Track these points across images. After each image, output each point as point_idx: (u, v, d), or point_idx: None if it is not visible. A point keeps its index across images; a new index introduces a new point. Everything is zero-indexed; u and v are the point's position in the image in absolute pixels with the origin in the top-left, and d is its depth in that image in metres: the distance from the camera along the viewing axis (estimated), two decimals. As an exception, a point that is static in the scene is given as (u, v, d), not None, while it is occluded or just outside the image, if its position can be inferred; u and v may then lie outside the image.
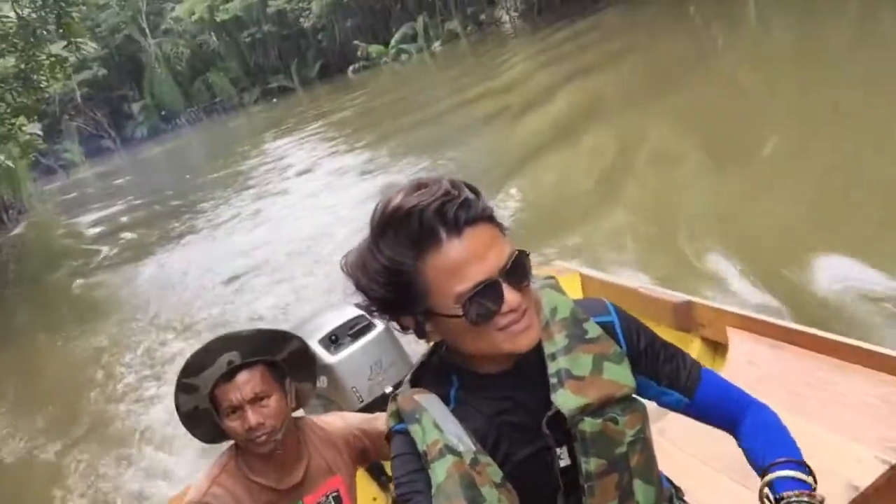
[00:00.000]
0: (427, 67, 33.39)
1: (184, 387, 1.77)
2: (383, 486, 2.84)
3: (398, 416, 1.17)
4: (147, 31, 51.19)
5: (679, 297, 2.68)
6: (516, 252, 1.08)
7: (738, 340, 2.33)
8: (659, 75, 11.56)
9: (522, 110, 12.83)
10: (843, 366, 2.01)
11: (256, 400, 1.75)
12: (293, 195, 13.02)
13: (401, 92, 26.19)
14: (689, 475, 1.42)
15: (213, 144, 33.73)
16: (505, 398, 1.17)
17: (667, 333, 2.54)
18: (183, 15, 49.52)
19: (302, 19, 45.24)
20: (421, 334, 1.13)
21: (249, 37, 49.19)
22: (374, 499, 2.86)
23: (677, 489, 1.36)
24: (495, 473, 1.10)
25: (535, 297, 1.17)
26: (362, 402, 2.72)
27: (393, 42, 40.52)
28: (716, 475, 1.29)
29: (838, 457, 1.72)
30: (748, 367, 2.19)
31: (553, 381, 1.15)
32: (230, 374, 1.75)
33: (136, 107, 50.00)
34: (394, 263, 1.04)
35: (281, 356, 1.84)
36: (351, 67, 43.37)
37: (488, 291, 1.04)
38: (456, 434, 1.11)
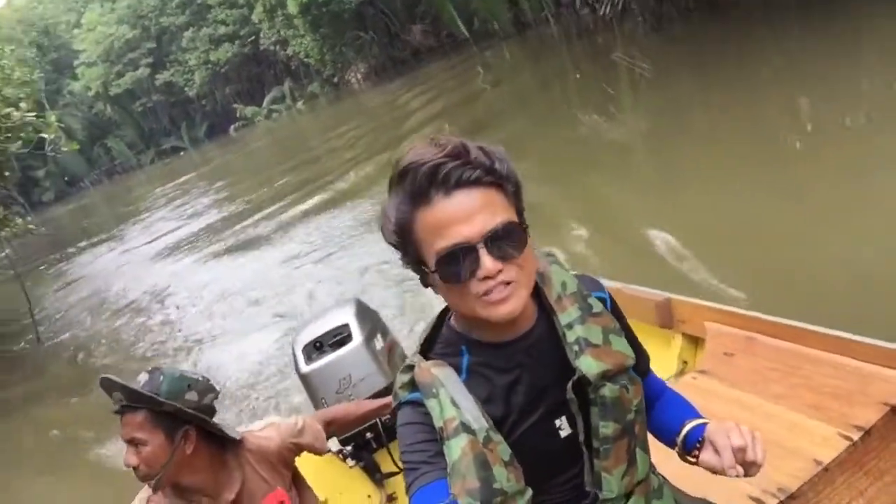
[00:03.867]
0: (294, 120, 40.63)
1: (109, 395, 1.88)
2: (378, 483, 2.91)
3: (412, 385, 1.19)
4: (46, 105, 56.53)
5: (659, 294, 2.69)
6: (508, 221, 1.08)
7: (714, 333, 2.38)
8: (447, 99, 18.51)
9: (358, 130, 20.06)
10: (809, 352, 2.05)
11: (132, 443, 1.82)
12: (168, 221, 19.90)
13: (267, 140, 33.65)
14: (659, 449, 1.38)
15: (109, 198, 39.97)
16: (514, 367, 1.20)
17: (650, 331, 2.67)
18: (80, 90, 55.25)
19: (187, 88, 51.90)
20: (425, 285, 1.18)
21: (141, 106, 55.33)
22: (369, 496, 2.94)
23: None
24: (504, 451, 1.13)
25: (544, 271, 1.24)
26: None
27: (265, 103, 47.77)
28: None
29: (803, 435, 1.79)
30: (723, 357, 2.27)
31: (574, 348, 1.19)
32: (121, 410, 1.84)
33: (41, 174, 54.99)
34: (398, 214, 1.10)
35: (165, 409, 1.84)
36: (232, 126, 50.29)
37: (464, 254, 1.06)
38: (471, 411, 1.13)
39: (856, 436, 1.72)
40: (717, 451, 1.19)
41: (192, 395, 1.90)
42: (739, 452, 1.16)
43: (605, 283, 2.98)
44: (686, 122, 8.37)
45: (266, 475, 2.01)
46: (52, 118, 11.41)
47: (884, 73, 6.97)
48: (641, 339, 1.34)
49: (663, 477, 1.39)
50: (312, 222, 11.18)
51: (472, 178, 1.06)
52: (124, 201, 31.47)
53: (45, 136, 11.66)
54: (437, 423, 1.12)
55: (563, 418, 1.22)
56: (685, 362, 2.61)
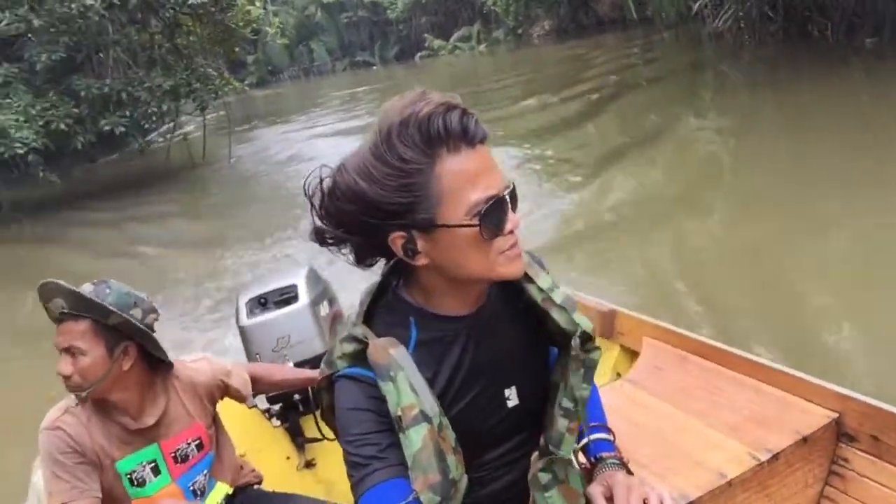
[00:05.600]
0: (474, 59, 44.07)
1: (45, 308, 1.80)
2: (299, 446, 2.92)
3: (356, 359, 1.14)
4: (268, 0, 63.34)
5: (605, 305, 2.76)
6: (512, 180, 1.10)
7: (650, 348, 2.46)
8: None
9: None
10: (735, 375, 2.15)
11: (70, 351, 1.78)
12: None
13: (446, 71, 37.51)
14: None
15: (299, 91, 45.61)
16: (464, 341, 1.19)
17: None
18: (298, -9, 61.53)
19: (389, 11, 56.77)
20: (410, 254, 1.09)
21: (347, 18, 60.86)
22: (288, 458, 2.93)
23: None
24: (451, 436, 1.11)
25: None
26: None
27: (452, 39, 51.56)
28: None
29: (714, 449, 1.88)
30: (653, 370, 2.35)
31: (566, 307, 1.21)
32: (60, 318, 1.79)
33: (249, 59, 62.00)
34: (409, 163, 1.02)
35: (110, 322, 1.81)
36: (418, 54, 54.53)
37: (499, 206, 1.06)
38: (426, 396, 1.10)
39: (764, 457, 1.77)
40: (609, 500, 1.22)
41: (136, 312, 1.86)
42: None
43: None
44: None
45: (190, 407, 1.99)
46: (277, 19, 15.67)
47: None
48: None
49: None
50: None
51: (484, 135, 1.06)
52: (309, 96, 36.55)
53: (268, 29, 15.94)
54: (394, 411, 1.07)
55: (514, 388, 1.23)
56: (618, 374, 2.66)
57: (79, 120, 12.65)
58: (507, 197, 1.07)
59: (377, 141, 1.04)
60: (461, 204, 1.04)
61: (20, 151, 11.51)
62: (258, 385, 2.27)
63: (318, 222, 1.12)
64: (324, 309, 2.93)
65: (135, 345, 1.89)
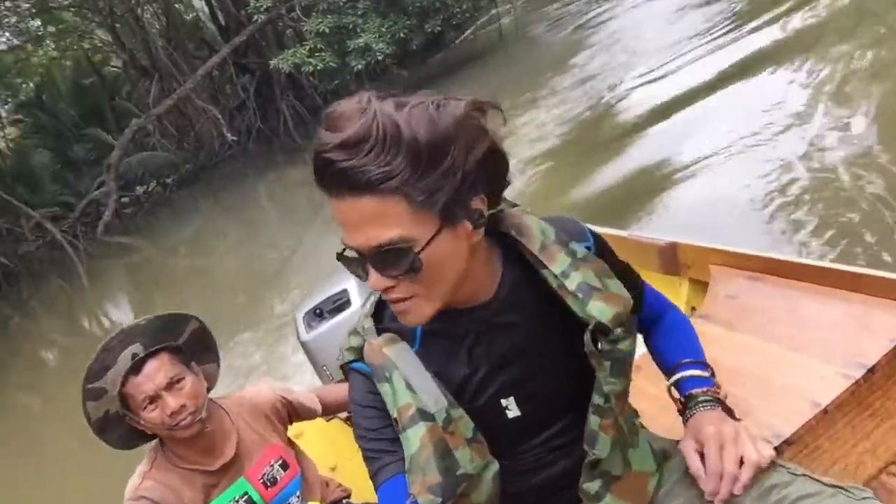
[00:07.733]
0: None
1: (90, 393, 1.70)
2: None
3: (358, 353, 1.14)
4: None
5: (664, 240, 2.62)
6: (398, 240, 0.95)
7: (719, 276, 2.31)
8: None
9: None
10: (814, 288, 1.94)
11: (172, 385, 1.73)
12: None
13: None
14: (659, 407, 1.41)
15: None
16: (474, 335, 1.13)
17: (656, 279, 2.57)
18: None
19: None
20: None
21: None
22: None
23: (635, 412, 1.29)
24: (467, 427, 1.07)
25: (519, 222, 1.12)
26: (332, 380, 2.64)
27: None
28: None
29: (802, 376, 1.68)
30: (726, 300, 2.18)
31: (579, 295, 1.08)
32: (136, 366, 1.71)
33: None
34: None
35: (182, 340, 1.81)
36: None
37: (355, 261, 1.01)
38: (428, 391, 1.06)
39: (858, 374, 1.58)
40: (701, 457, 1.14)
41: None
42: (727, 478, 1.09)
43: (609, 231, 2.59)
44: None
45: (260, 429, 1.98)
46: None
47: None
48: None
49: (635, 413, 1.28)
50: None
51: (364, 182, 0.91)
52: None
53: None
54: (392, 412, 1.07)
55: (511, 399, 1.15)
56: (693, 308, 2.49)
57: (411, 28, 18.09)
58: (370, 258, 0.97)
59: None
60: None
61: (379, 58, 17.30)
62: (324, 408, 2.23)
63: None
64: None
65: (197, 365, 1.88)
